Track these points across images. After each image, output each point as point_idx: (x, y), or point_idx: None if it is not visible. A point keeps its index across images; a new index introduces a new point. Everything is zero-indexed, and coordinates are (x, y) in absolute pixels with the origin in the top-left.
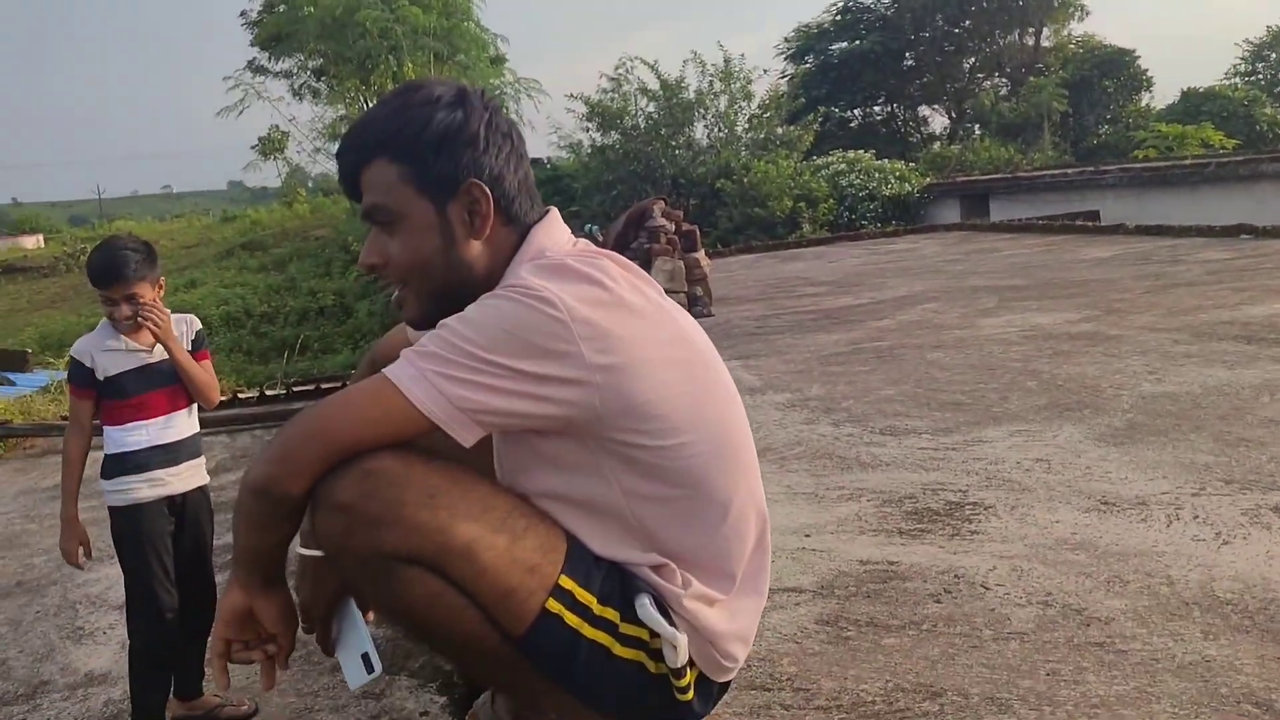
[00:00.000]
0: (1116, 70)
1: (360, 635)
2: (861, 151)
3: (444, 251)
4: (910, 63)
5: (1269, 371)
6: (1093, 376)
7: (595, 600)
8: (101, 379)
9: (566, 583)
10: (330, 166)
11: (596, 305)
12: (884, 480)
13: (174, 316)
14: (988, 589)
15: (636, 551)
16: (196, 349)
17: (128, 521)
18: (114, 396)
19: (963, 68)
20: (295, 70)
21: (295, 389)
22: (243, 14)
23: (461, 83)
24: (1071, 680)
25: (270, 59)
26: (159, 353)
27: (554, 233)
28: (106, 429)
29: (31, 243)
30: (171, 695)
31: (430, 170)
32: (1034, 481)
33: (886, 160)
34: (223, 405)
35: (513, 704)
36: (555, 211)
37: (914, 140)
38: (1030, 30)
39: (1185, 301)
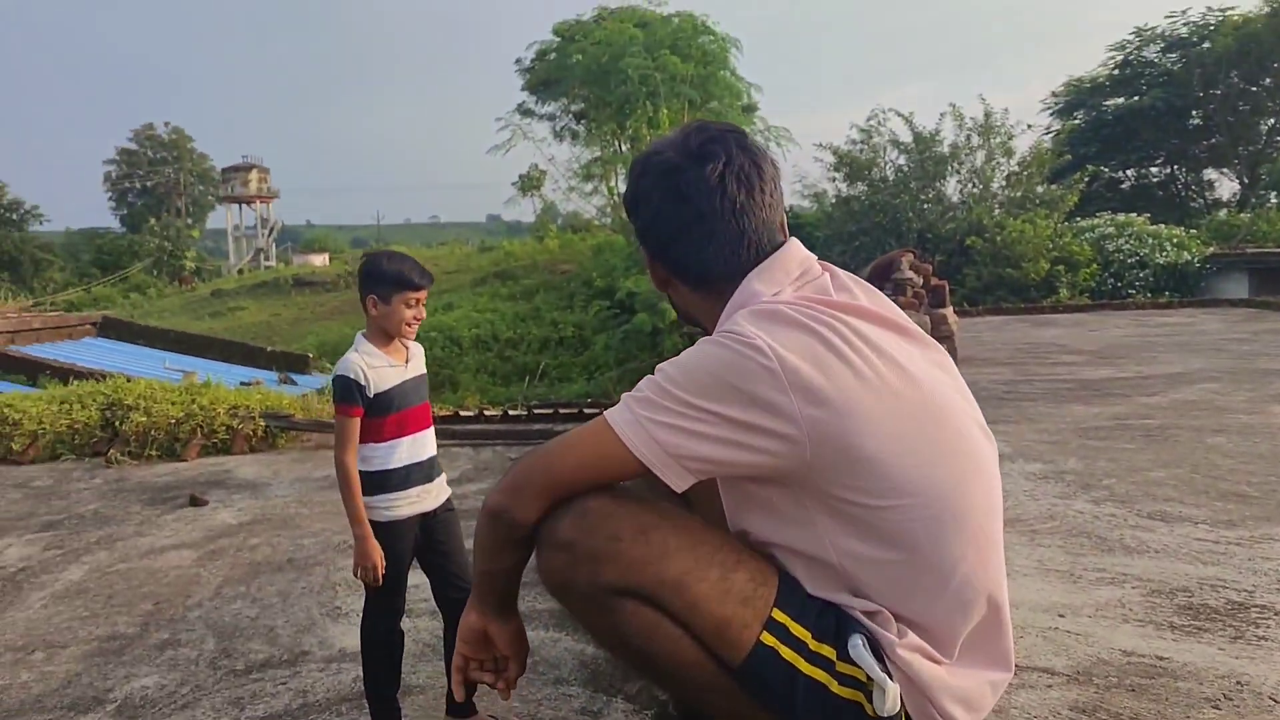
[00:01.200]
0: None
1: None
2: (1133, 215)
3: (668, 295)
4: (1197, 122)
5: None
6: None
7: (810, 636)
8: (372, 396)
9: (780, 616)
10: (579, 205)
11: (809, 355)
12: (1152, 568)
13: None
14: (1277, 702)
15: (848, 596)
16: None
17: (383, 537)
18: (378, 413)
19: (1259, 129)
20: (558, 113)
21: (535, 411)
22: (517, 61)
23: (675, 166)
24: None
25: (537, 102)
26: (412, 368)
27: (771, 276)
28: (367, 445)
29: (319, 260)
30: (446, 714)
31: (643, 240)
32: None
33: (1163, 225)
34: (470, 420)
35: None
36: (789, 248)
37: (1195, 205)
38: None
39: None
